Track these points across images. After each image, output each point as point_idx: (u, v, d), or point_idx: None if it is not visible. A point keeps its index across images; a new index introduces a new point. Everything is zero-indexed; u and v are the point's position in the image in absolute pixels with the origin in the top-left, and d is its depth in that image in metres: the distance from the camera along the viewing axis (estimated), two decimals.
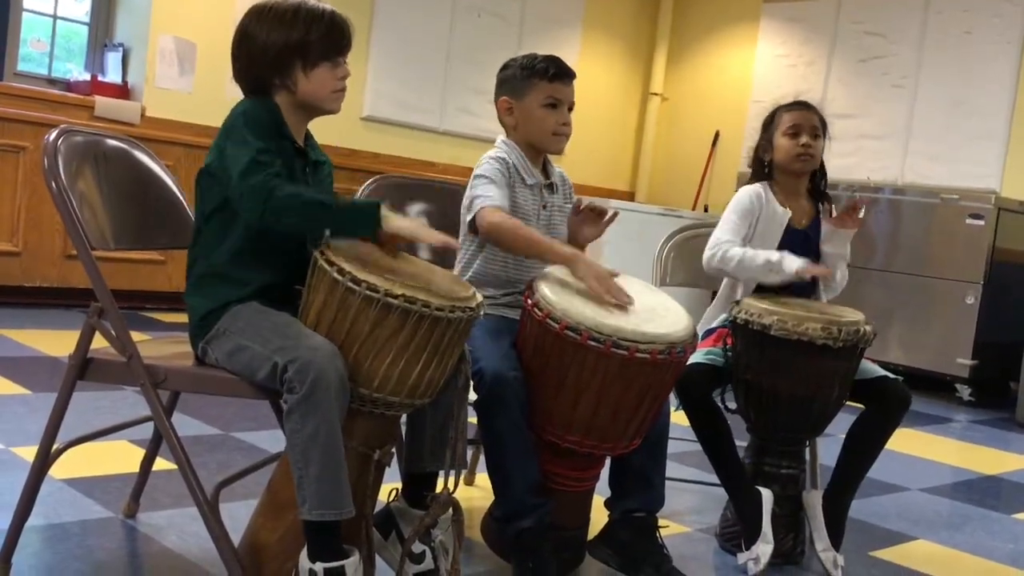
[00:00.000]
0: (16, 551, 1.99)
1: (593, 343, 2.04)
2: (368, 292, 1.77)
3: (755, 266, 2.60)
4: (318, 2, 2.01)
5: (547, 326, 2.09)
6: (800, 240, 2.71)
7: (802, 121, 2.72)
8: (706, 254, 2.69)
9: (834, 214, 2.77)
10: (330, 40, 1.98)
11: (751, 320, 2.44)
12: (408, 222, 1.96)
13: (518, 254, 2.36)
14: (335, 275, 1.79)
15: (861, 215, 2.71)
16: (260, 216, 1.81)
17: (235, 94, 2.02)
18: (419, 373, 1.84)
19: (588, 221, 2.51)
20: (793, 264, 2.56)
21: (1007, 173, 6.37)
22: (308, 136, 2.09)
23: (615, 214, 2.49)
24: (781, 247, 2.66)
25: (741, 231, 2.70)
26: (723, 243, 2.66)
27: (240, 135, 1.87)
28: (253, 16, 1.99)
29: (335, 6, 2.03)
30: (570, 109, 2.45)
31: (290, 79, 1.97)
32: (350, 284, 1.77)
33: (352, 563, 1.77)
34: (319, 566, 1.74)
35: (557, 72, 2.41)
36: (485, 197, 2.31)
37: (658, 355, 2.07)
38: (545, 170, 2.53)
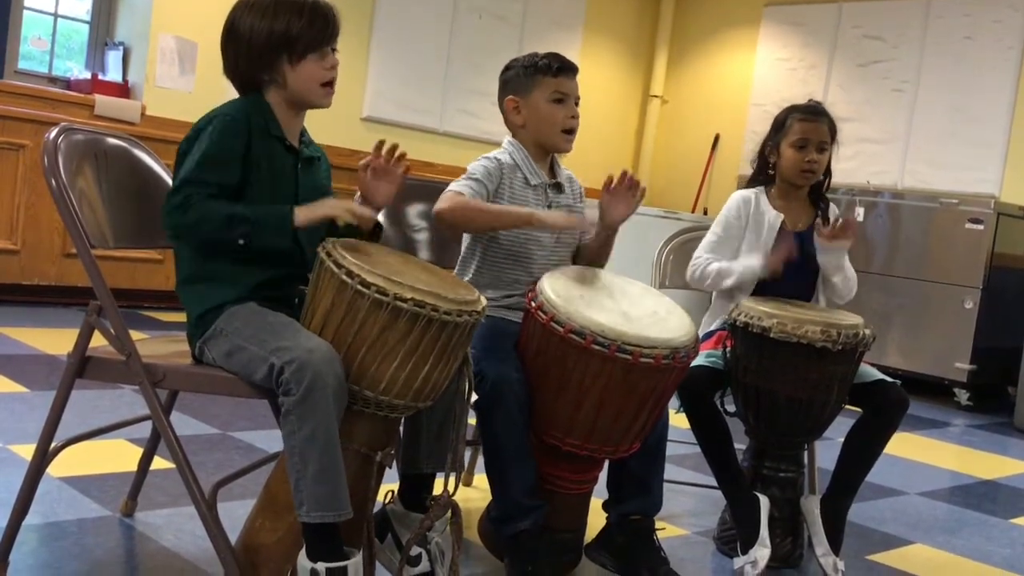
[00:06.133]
0: (13, 549, 1.98)
1: (597, 347, 2.04)
2: (377, 296, 1.76)
3: (726, 284, 2.69)
4: None
5: (551, 329, 2.08)
6: (795, 243, 2.70)
7: (811, 136, 2.72)
8: (688, 269, 2.78)
9: (824, 229, 2.68)
10: (314, 29, 1.96)
11: (751, 322, 2.44)
12: (322, 208, 1.92)
13: (480, 230, 2.36)
14: (344, 277, 1.78)
15: (854, 230, 2.68)
16: (174, 234, 1.90)
17: (235, 94, 2.02)
18: (425, 376, 1.84)
19: (618, 198, 2.40)
20: (754, 265, 2.64)
21: (1007, 178, 6.37)
22: (303, 133, 2.09)
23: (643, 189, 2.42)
24: (775, 250, 2.68)
25: (723, 246, 2.77)
26: (702, 260, 2.74)
27: (198, 146, 1.88)
28: (238, 10, 1.99)
29: (336, 5, 2.03)
30: (576, 103, 2.45)
31: (278, 73, 1.97)
32: (359, 287, 1.76)
33: (355, 564, 1.76)
34: (321, 566, 1.74)
35: (561, 67, 2.41)
36: (449, 189, 2.32)
37: (662, 360, 2.06)
38: (552, 170, 2.52)
